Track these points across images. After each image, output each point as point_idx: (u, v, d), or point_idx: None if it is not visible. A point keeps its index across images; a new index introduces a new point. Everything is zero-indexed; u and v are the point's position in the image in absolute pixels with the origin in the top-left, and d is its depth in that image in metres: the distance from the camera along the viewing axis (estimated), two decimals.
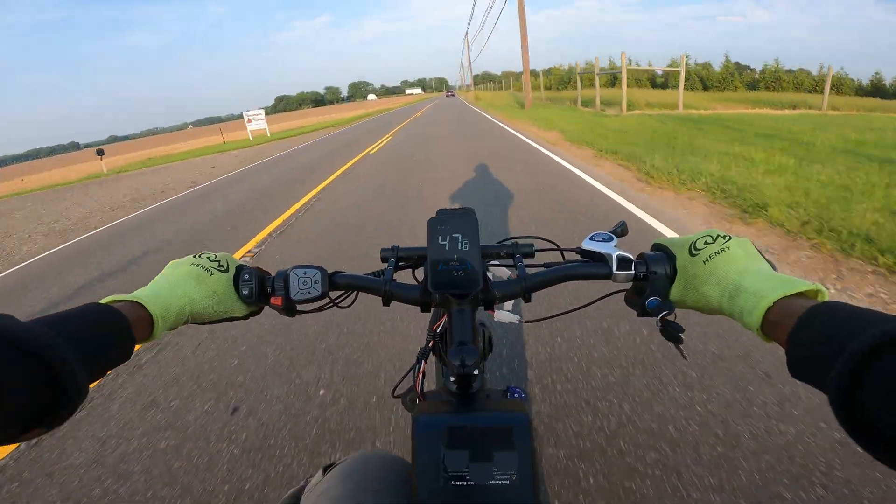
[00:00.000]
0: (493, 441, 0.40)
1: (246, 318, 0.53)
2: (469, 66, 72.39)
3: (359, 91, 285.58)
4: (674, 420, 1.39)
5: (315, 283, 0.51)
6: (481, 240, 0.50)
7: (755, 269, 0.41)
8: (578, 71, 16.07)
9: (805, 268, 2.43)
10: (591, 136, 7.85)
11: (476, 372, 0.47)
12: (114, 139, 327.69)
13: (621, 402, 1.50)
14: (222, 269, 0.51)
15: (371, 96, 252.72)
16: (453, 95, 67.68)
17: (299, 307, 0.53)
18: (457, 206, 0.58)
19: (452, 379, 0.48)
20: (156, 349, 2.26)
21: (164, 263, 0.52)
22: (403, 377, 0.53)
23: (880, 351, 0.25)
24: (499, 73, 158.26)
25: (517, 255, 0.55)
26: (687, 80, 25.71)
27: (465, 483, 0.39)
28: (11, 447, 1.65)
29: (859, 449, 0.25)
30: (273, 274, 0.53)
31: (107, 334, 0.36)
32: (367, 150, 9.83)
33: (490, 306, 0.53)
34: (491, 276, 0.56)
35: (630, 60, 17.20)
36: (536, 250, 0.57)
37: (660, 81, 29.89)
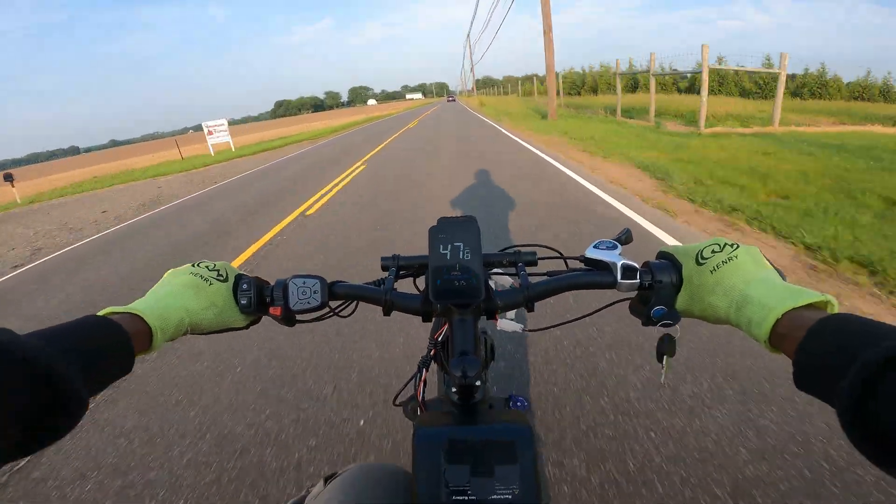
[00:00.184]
0: (494, 455, 0.39)
1: (246, 327, 0.52)
2: (472, 69, 68.48)
3: (359, 96, 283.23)
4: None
5: (314, 292, 0.51)
6: (483, 247, 0.49)
7: (763, 279, 0.40)
8: (616, 72, 12.48)
9: None
10: (705, 178, 4.43)
11: (478, 383, 0.47)
12: (115, 143, 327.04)
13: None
14: (221, 278, 0.50)
15: (371, 101, 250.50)
16: (454, 100, 65.01)
17: (298, 317, 0.52)
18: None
19: (454, 389, 0.47)
20: None
21: None
22: (405, 385, 0.53)
23: (895, 362, 0.24)
24: (500, 78, 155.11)
25: (520, 264, 0.55)
26: (718, 84, 22.09)
27: (466, 497, 0.38)
28: None
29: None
30: (272, 283, 0.52)
31: (106, 347, 0.35)
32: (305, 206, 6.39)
33: (492, 316, 0.52)
34: (493, 285, 0.55)
35: (715, 62, 13.67)
36: (539, 258, 0.57)
37: (682, 86, 25.93)
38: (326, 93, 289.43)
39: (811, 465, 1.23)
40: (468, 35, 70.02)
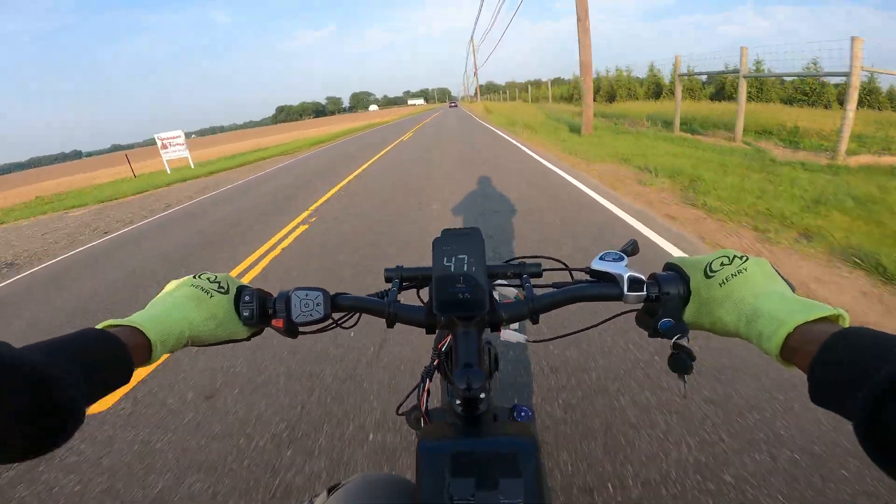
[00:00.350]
0: (499, 467, 0.39)
1: (248, 339, 0.52)
2: (475, 73, 65.11)
3: (361, 101, 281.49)
4: None
5: (317, 305, 0.50)
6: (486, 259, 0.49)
7: (773, 292, 0.40)
8: (676, 72, 9.25)
9: None
10: None
11: (482, 395, 0.46)
12: (117, 148, 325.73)
13: None
14: (222, 290, 0.50)
15: (373, 107, 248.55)
16: (456, 106, 62.61)
17: (301, 328, 0.52)
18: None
19: (458, 402, 0.47)
20: None
21: None
22: (408, 395, 0.53)
23: None
24: (503, 84, 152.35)
25: (525, 276, 0.54)
26: (757, 91, 18.67)
27: None
28: None
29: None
30: (275, 295, 0.52)
31: (104, 360, 0.35)
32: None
33: (497, 328, 0.52)
34: (497, 296, 0.54)
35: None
36: (544, 270, 0.57)
37: (706, 94, 21.73)
38: (328, 98, 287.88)
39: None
40: (472, 36, 66.79)
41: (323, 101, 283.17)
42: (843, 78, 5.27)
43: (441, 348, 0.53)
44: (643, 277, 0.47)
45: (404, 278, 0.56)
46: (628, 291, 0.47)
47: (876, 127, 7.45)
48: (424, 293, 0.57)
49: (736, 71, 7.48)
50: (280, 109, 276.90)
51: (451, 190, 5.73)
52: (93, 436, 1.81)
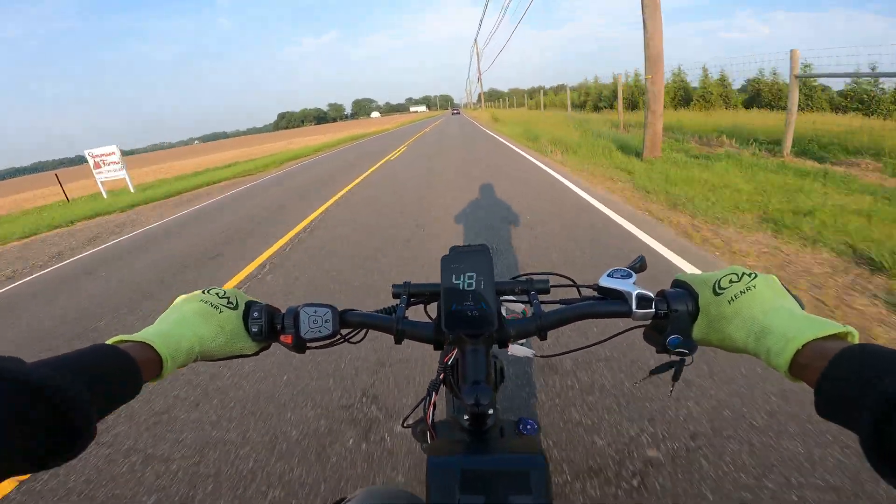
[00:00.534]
0: (508, 484, 0.38)
1: (255, 354, 0.52)
2: (479, 78, 61.61)
3: (363, 108, 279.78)
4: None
5: (326, 321, 0.51)
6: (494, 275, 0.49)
7: (782, 309, 0.40)
8: (793, 73, 6.12)
9: None
10: None
11: (490, 411, 0.46)
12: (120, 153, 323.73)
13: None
14: (231, 306, 0.50)
15: (375, 114, 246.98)
16: (458, 113, 60.32)
17: (309, 344, 0.52)
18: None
19: (466, 417, 0.47)
20: None
21: None
22: (414, 408, 0.52)
23: None
24: (505, 91, 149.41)
25: (532, 292, 0.54)
26: (806, 98, 15.47)
27: None
28: None
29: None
30: (283, 311, 0.52)
31: (115, 376, 0.36)
32: None
33: (504, 344, 0.52)
34: (504, 312, 0.55)
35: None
36: (552, 286, 0.57)
37: (739, 101, 16.96)
38: (330, 104, 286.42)
39: None
40: (475, 39, 63.64)
41: (325, 108, 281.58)
42: None
43: (447, 362, 0.51)
44: (651, 295, 0.47)
45: (412, 294, 0.56)
46: (637, 308, 0.47)
47: None
48: (431, 308, 0.58)
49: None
50: (281, 116, 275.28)
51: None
52: None
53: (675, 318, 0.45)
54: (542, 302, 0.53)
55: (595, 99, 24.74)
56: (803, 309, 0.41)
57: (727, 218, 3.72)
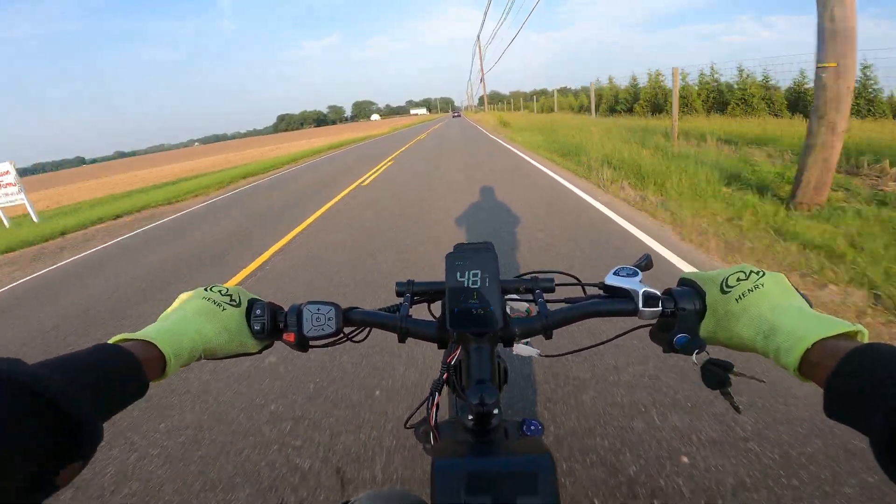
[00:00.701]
0: (516, 486, 0.38)
1: (258, 352, 0.51)
2: (482, 79, 61.01)
3: (363, 111, 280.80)
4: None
5: (329, 319, 0.50)
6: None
7: (791, 307, 0.39)
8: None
9: None
10: None
11: (495, 411, 0.45)
12: (121, 154, 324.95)
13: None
14: (234, 303, 0.49)
15: (375, 116, 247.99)
16: (459, 116, 59.84)
17: (312, 342, 0.52)
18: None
19: (470, 417, 0.46)
20: None
21: None
22: (417, 409, 0.51)
23: None
24: (507, 93, 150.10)
25: (537, 291, 0.54)
26: (868, 103, 12.23)
27: None
28: None
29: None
30: (286, 308, 0.52)
31: (118, 376, 0.35)
32: None
33: (509, 343, 0.52)
34: (509, 310, 0.54)
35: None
36: (557, 285, 0.56)
37: (780, 106, 13.80)
38: (330, 107, 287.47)
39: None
40: (478, 36, 63.06)
41: (325, 110, 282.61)
42: None
43: (450, 362, 0.50)
44: (658, 293, 0.47)
45: (415, 292, 0.56)
46: (643, 307, 0.46)
47: None
48: (435, 307, 0.58)
49: None
50: (281, 118, 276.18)
51: None
52: None
53: (682, 316, 0.45)
54: (547, 301, 0.52)
55: (610, 101, 21.50)
56: (811, 307, 0.41)
57: None
